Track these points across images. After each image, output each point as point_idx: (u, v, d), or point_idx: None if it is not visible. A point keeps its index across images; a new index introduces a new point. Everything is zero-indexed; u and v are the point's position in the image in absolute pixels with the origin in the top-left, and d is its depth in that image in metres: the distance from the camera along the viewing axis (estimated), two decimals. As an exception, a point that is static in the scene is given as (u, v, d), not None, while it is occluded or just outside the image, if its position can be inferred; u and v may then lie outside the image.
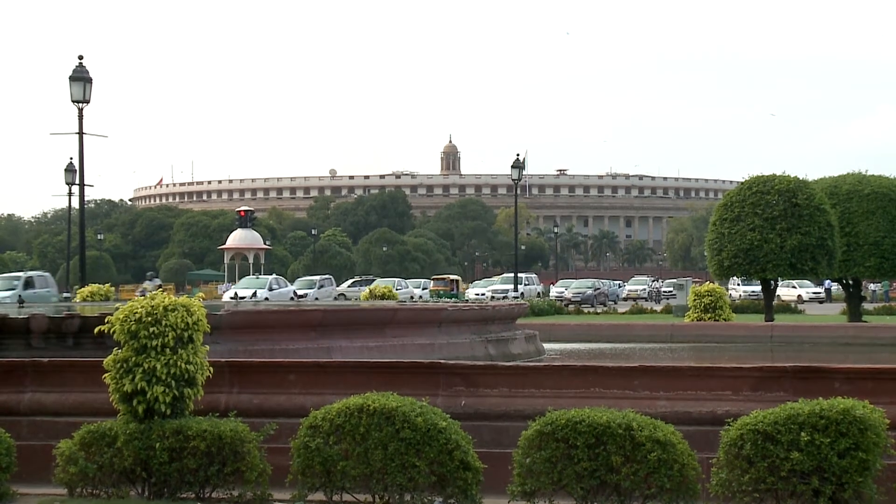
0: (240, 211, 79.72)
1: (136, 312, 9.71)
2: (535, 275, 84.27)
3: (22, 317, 14.09)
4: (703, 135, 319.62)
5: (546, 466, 8.83)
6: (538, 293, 70.21)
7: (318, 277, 70.20)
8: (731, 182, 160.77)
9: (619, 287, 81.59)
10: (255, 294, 52.72)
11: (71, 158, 54.13)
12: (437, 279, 69.84)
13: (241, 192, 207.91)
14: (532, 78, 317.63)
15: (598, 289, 70.45)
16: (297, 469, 9.28)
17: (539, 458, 8.86)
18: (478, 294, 64.89)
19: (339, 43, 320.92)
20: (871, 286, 75.60)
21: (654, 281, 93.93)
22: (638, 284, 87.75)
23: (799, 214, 33.71)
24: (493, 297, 55.45)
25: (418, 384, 10.86)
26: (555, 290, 72.22)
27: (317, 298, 53.22)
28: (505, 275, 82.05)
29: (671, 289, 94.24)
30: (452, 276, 72.31)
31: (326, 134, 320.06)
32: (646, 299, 78.38)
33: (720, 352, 21.94)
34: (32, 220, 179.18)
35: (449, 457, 9.05)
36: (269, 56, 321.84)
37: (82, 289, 33.40)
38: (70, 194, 60.20)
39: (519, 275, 74.15)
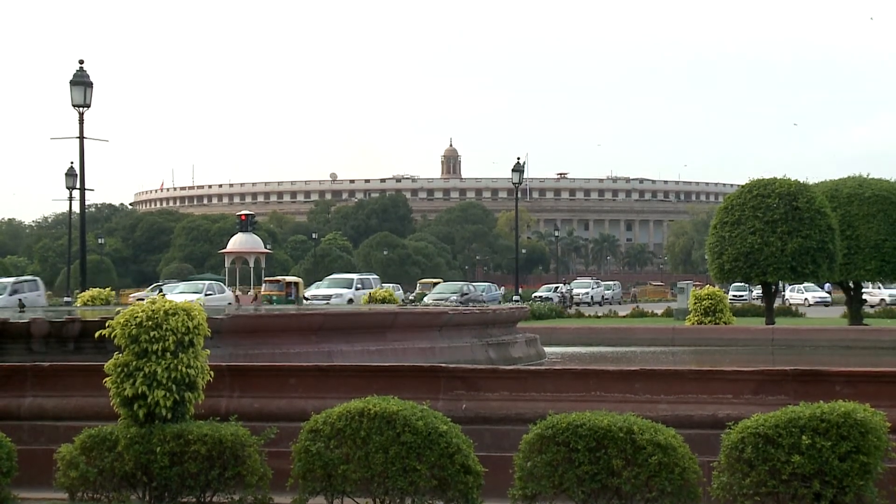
0: (240, 215, 79.33)
1: (137, 317, 9.72)
2: (375, 276, 72.54)
3: (23, 321, 14.11)
4: (703, 138, 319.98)
5: (547, 470, 8.82)
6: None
7: (10, 280, 52.74)
8: (731, 185, 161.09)
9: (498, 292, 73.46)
10: None
11: (72, 163, 54.27)
12: (270, 282, 60.87)
13: (242, 196, 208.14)
14: (532, 81, 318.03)
15: (466, 294, 63.76)
16: (298, 473, 9.27)
17: (540, 462, 8.85)
18: (306, 297, 57.87)
19: (340, 47, 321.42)
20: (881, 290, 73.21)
21: (563, 283, 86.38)
22: (583, 287, 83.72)
23: (800, 218, 33.75)
24: (310, 300, 50.21)
25: (419, 388, 10.86)
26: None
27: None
28: (335, 276, 73.50)
29: (610, 292, 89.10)
30: (289, 279, 63.77)
31: (327, 138, 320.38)
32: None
33: (721, 355, 21.97)
34: (33, 225, 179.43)
35: (450, 460, 9.04)
36: (270, 60, 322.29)
37: (83, 293, 33.41)
38: (71, 198, 60.37)
39: (351, 276, 68.86)
